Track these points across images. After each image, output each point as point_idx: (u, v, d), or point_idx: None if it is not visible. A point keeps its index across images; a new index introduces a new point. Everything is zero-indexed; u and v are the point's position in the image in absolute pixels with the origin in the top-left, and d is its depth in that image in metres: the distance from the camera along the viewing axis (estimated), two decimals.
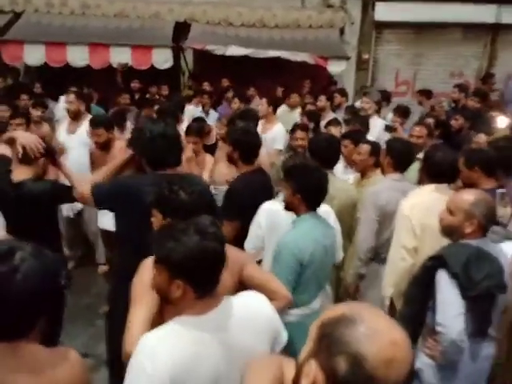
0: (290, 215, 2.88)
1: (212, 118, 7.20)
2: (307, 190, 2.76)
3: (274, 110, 6.31)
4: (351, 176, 4.29)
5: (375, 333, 1.11)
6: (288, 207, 2.85)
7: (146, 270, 2.02)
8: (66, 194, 3.05)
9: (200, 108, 7.65)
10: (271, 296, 2.20)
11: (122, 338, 1.92)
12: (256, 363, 1.44)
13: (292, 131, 4.79)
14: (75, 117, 5.12)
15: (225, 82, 8.86)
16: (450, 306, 2.39)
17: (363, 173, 4.09)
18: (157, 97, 8.41)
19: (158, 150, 2.67)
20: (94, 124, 4.43)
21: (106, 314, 3.14)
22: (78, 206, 4.96)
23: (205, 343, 1.61)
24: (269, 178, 3.71)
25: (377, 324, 1.14)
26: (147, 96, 8.61)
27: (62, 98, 6.78)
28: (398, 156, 3.62)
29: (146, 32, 9.36)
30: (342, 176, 4.28)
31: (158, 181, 2.39)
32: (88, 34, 9.17)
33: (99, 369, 3.57)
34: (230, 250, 2.35)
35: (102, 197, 2.76)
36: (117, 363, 2.31)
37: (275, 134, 5.66)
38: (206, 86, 8.68)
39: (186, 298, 1.65)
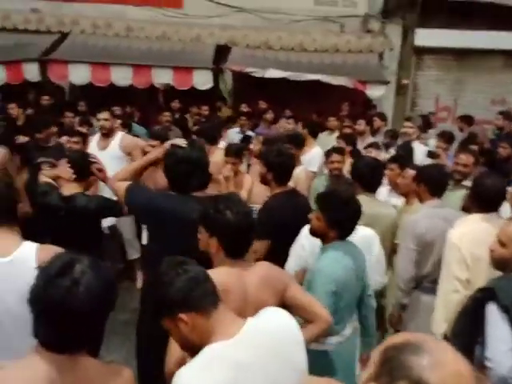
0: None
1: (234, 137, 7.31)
2: (341, 222, 2.70)
3: (312, 133, 6.31)
4: (395, 200, 4.23)
5: (440, 361, 1.08)
6: (315, 233, 2.77)
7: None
8: (114, 207, 3.18)
9: (238, 129, 7.74)
10: (313, 318, 2.19)
11: (150, 351, 1.95)
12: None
13: (327, 154, 4.78)
14: (108, 133, 5.24)
15: (262, 104, 8.96)
16: (500, 341, 2.30)
17: (407, 198, 4.03)
18: (197, 117, 8.55)
19: (180, 173, 2.77)
20: (153, 135, 4.57)
21: (136, 327, 3.16)
22: (111, 220, 5.05)
23: (241, 367, 1.58)
24: (303, 199, 3.70)
25: (442, 353, 1.11)
26: (187, 116, 8.77)
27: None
28: (431, 182, 3.55)
29: (187, 54, 9.58)
30: (386, 200, 4.22)
31: (191, 201, 2.47)
32: (131, 55, 9.45)
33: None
34: (274, 270, 2.34)
35: (134, 206, 2.84)
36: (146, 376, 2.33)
37: (311, 157, 5.65)
38: (244, 107, 8.77)
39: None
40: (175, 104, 8.84)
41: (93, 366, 1.44)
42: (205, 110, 8.66)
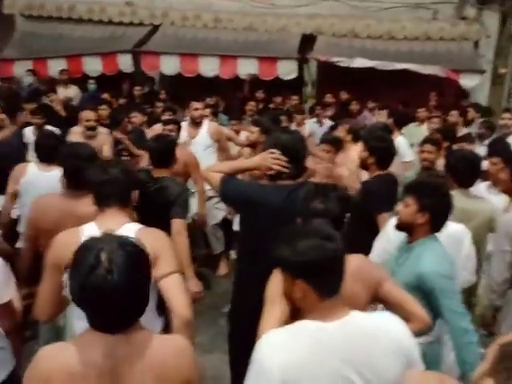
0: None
1: (325, 129, 7.22)
2: (440, 211, 2.53)
3: (397, 123, 6.11)
4: (495, 197, 4.00)
5: None
6: (403, 227, 2.60)
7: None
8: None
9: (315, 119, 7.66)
10: (408, 317, 2.10)
11: (242, 339, 1.98)
12: (417, 376, 1.40)
13: (421, 144, 4.62)
14: (198, 123, 5.38)
15: (343, 95, 8.81)
16: None
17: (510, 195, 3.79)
18: (281, 107, 8.57)
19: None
20: (254, 122, 4.68)
21: (227, 315, 3.23)
22: (194, 208, 5.20)
23: (322, 350, 1.57)
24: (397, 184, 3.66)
25: None
26: (271, 106, 8.82)
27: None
28: None
29: (272, 44, 9.63)
30: (484, 196, 3.99)
31: (283, 191, 2.47)
32: (219, 46, 9.65)
33: (220, 366, 3.68)
34: (367, 264, 2.30)
35: (230, 194, 2.87)
36: (239, 362, 2.37)
37: (397, 147, 5.47)
38: (329, 97, 8.67)
39: (308, 300, 1.64)
40: (259, 94, 8.90)
41: (147, 338, 1.46)
42: (294, 99, 8.62)
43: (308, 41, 9.80)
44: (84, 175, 2.74)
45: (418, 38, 9.49)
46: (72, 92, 8.55)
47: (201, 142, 5.31)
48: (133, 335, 1.43)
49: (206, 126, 5.47)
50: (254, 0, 10.06)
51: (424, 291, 2.43)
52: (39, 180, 3.62)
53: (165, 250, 2.16)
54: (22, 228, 3.74)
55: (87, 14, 10.21)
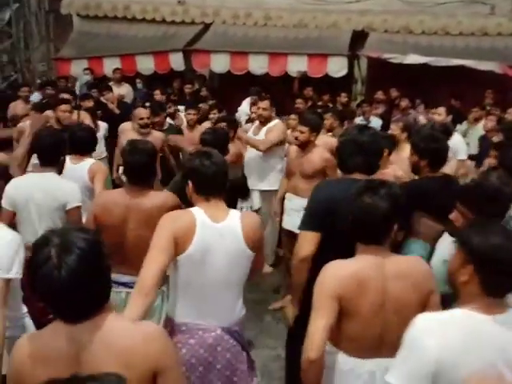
0: None
1: (375, 125, 7.09)
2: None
3: (454, 121, 5.94)
4: None
5: None
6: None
7: (329, 277, 2.04)
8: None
9: (361, 117, 7.54)
10: None
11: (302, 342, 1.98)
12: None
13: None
14: (265, 121, 5.34)
15: (393, 92, 8.61)
16: None
17: None
18: (330, 104, 8.48)
19: (343, 153, 2.71)
20: (302, 121, 4.49)
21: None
22: (255, 204, 5.20)
23: (481, 342, 1.59)
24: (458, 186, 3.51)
25: None
26: (320, 103, 8.75)
27: (245, 102, 7.16)
28: None
29: (322, 41, 9.54)
30: None
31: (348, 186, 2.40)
32: (268, 43, 9.65)
33: (266, 362, 3.70)
34: (422, 266, 2.14)
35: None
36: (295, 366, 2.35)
37: (453, 145, 5.28)
38: (380, 94, 8.51)
39: (471, 288, 1.67)
40: (308, 92, 8.83)
41: (114, 325, 1.47)
42: (343, 97, 8.52)
43: (359, 37, 9.66)
44: (146, 170, 2.92)
45: (474, 33, 9.20)
46: (124, 90, 8.77)
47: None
48: (98, 322, 1.45)
49: (272, 124, 5.30)
50: None
51: None
52: (71, 172, 3.73)
53: (262, 236, 2.43)
54: None
55: (141, 14, 10.45)
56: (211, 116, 6.57)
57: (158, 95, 7.80)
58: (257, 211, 5.35)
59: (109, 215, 2.91)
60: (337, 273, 2.04)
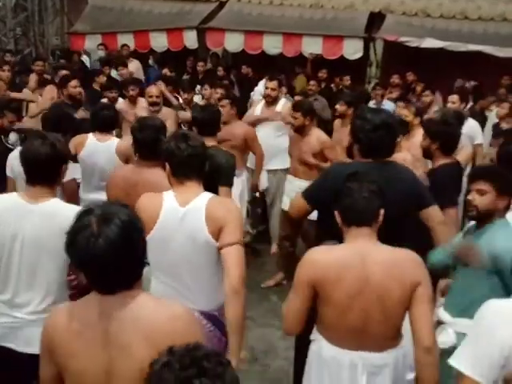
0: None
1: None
2: None
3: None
4: None
5: None
6: (482, 216, 2.45)
7: (307, 263, 2.10)
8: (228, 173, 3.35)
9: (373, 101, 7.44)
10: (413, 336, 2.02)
11: None
12: None
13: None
14: (272, 102, 5.32)
15: (409, 76, 8.48)
16: None
17: None
18: (340, 87, 8.40)
19: (377, 139, 2.58)
20: (294, 107, 4.62)
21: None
22: (264, 184, 5.20)
23: None
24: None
25: None
26: (332, 86, 8.66)
27: (261, 83, 7.10)
28: None
29: (338, 22, 9.41)
30: None
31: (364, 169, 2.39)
32: (283, 23, 9.53)
33: (271, 340, 3.74)
34: (409, 256, 2.09)
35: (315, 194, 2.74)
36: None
37: (469, 130, 5.22)
38: (396, 78, 8.39)
39: None
40: (322, 74, 8.72)
41: (144, 302, 1.50)
42: (346, 80, 8.43)
43: (376, 19, 9.50)
44: (155, 146, 2.86)
45: (494, 18, 9.00)
46: (133, 66, 8.68)
47: (272, 121, 5.22)
48: (128, 298, 1.48)
49: (281, 105, 5.33)
50: None
51: (499, 272, 2.34)
52: (98, 150, 3.80)
53: (232, 219, 2.22)
54: (82, 194, 3.88)
55: None
56: (216, 95, 6.44)
57: (167, 73, 7.73)
58: (264, 191, 5.38)
59: (119, 190, 2.92)
60: (315, 259, 2.10)
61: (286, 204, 4.60)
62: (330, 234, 2.30)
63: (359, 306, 2.03)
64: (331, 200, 2.25)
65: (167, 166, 2.33)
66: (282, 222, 2.70)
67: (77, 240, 1.42)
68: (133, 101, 5.44)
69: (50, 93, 5.75)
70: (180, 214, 2.24)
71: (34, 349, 1.93)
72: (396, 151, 4.13)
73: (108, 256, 1.40)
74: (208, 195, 2.29)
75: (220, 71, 8.73)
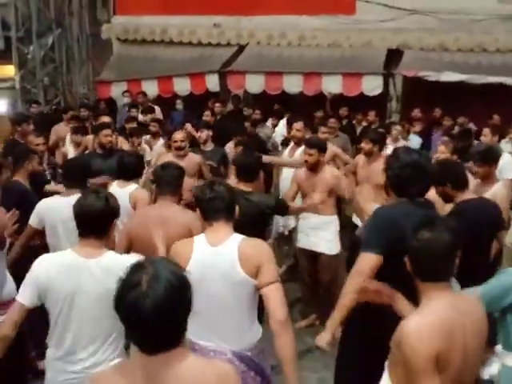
0: None
1: (414, 144, 7.02)
2: None
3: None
4: None
5: None
6: None
7: (420, 340, 1.85)
8: (284, 207, 3.70)
9: None
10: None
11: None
12: None
13: None
14: (299, 142, 5.39)
15: (437, 112, 8.53)
16: None
17: None
18: (364, 123, 8.47)
19: (405, 178, 2.58)
20: (308, 144, 4.56)
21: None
22: (291, 223, 5.23)
23: None
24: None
25: None
26: (354, 122, 8.73)
27: (282, 123, 7.23)
28: None
29: (357, 60, 9.57)
30: None
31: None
32: (303, 63, 9.74)
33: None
34: (481, 311, 2.03)
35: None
36: None
37: (502, 165, 5.16)
38: (418, 112, 8.45)
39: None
40: (343, 111, 8.81)
41: (190, 362, 1.48)
42: (371, 116, 8.47)
43: (394, 55, 9.65)
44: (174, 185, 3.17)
45: None
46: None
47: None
48: (174, 358, 1.46)
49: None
50: (338, 16, 10.07)
51: None
52: (117, 196, 3.85)
53: (267, 259, 2.33)
54: None
55: (178, 37, 10.72)
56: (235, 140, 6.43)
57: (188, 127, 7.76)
58: (291, 231, 5.41)
59: (141, 228, 3.06)
60: (431, 328, 1.84)
61: (304, 242, 4.68)
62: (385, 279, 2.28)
63: (465, 361, 1.91)
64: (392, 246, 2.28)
65: (197, 211, 2.52)
66: (350, 288, 2.56)
67: (125, 298, 1.42)
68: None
69: (84, 143, 5.92)
70: (211, 254, 2.34)
71: None
72: None
73: (155, 318, 1.39)
74: (239, 236, 2.40)
75: (246, 110, 8.64)
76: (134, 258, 2.25)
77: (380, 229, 2.49)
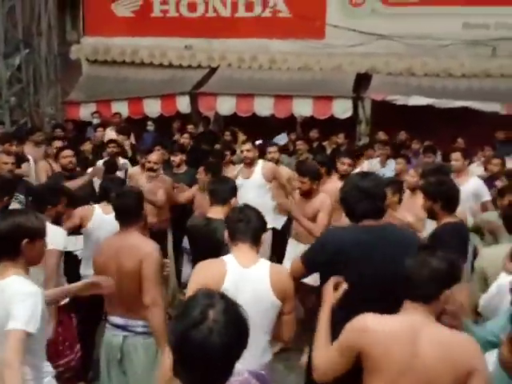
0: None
1: (389, 170, 7.04)
2: None
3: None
4: None
5: None
6: None
7: (357, 328, 2.03)
8: None
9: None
10: None
11: None
12: None
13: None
14: (251, 163, 5.41)
15: (402, 135, 8.66)
16: None
17: None
18: (334, 146, 8.53)
19: (350, 201, 2.63)
20: (300, 172, 4.51)
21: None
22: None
23: None
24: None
25: None
26: (324, 144, 8.79)
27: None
28: None
29: (327, 83, 9.70)
30: None
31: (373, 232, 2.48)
32: (274, 86, 9.81)
33: None
34: (463, 341, 1.95)
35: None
36: None
37: (476, 188, 5.23)
38: (382, 135, 8.56)
39: None
40: (314, 134, 8.89)
41: None
42: (340, 138, 8.54)
43: (363, 79, 9.81)
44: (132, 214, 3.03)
45: (477, 75, 9.33)
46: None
47: (254, 183, 5.37)
48: None
49: (261, 165, 5.54)
50: (308, 40, 10.21)
51: None
52: (104, 222, 3.74)
53: (291, 288, 2.53)
54: (83, 270, 3.86)
55: (149, 58, 10.68)
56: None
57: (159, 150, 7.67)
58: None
59: (102, 258, 3.01)
60: (367, 326, 1.99)
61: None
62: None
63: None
64: (332, 264, 2.42)
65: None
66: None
67: (188, 332, 1.35)
68: None
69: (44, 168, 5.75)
70: (244, 275, 2.44)
71: None
72: (393, 210, 4.21)
73: (220, 354, 1.35)
74: (266, 261, 2.57)
75: (227, 136, 8.29)
76: (32, 287, 2.22)
77: (318, 250, 2.66)
